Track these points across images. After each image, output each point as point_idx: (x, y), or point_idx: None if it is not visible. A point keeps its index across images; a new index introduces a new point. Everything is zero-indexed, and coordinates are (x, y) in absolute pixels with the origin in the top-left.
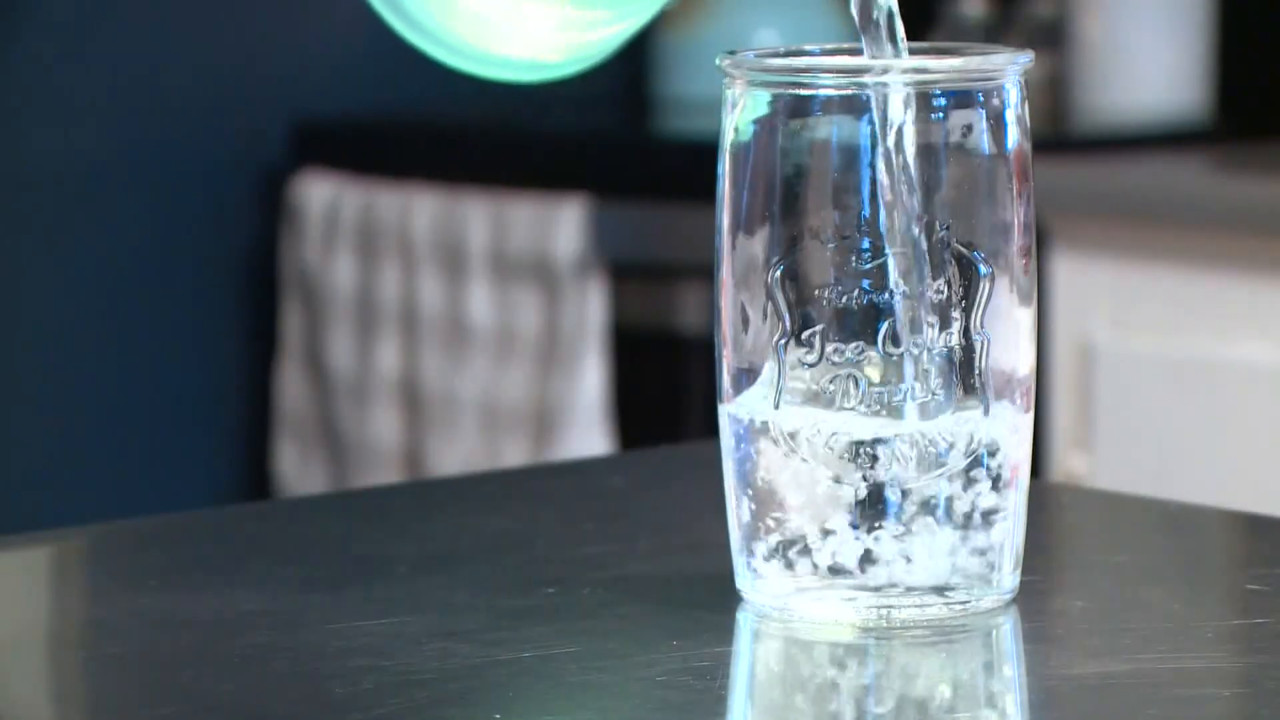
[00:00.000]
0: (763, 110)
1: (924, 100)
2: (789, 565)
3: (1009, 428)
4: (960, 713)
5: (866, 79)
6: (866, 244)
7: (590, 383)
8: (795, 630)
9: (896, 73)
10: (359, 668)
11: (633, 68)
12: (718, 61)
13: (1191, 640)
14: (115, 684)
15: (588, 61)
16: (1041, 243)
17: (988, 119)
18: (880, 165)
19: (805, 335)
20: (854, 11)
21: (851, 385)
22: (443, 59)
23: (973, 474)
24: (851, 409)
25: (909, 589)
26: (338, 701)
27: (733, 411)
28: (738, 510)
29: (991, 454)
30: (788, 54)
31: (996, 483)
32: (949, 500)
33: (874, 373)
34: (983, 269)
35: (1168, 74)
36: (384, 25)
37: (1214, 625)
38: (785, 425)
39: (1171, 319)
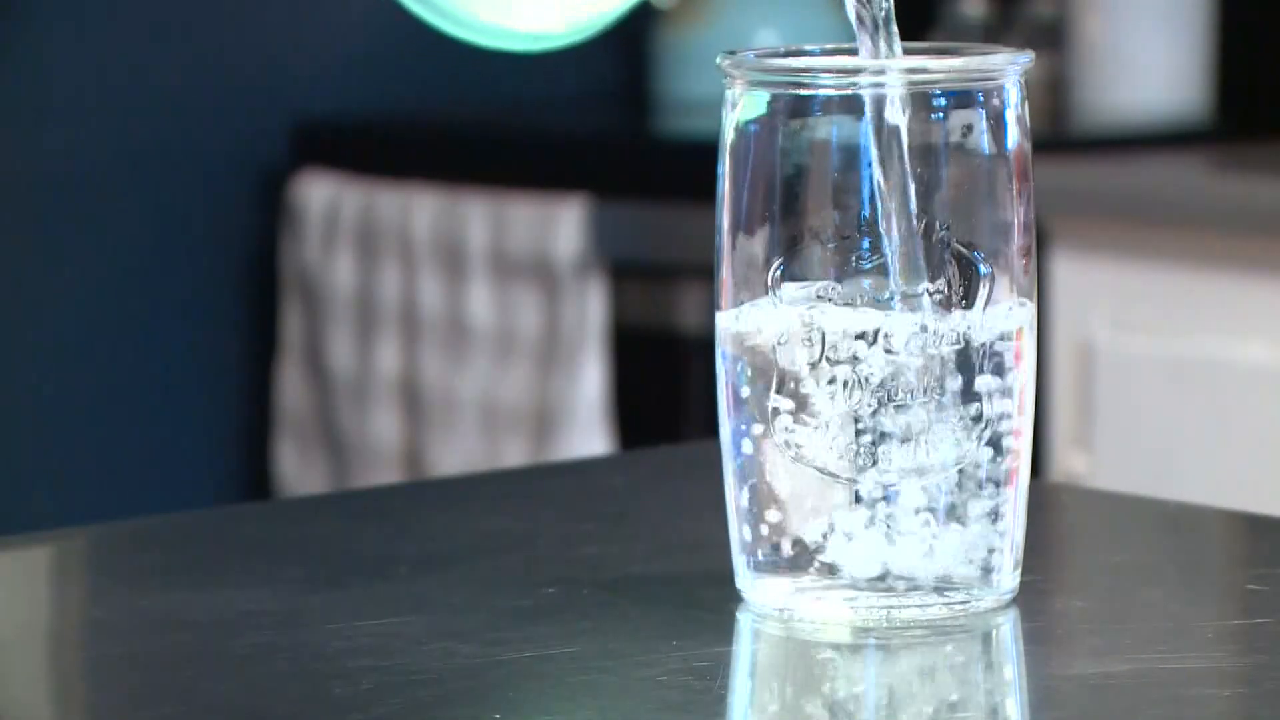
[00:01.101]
0: (762, 110)
1: (924, 100)
2: (789, 565)
3: (1008, 427)
4: (960, 713)
5: (864, 79)
6: (866, 244)
7: (590, 383)
8: (795, 630)
9: (895, 73)
10: (359, 668)
11: (633, 68)
12: (718, 61)
13: (1191, 640)
14: (115, 684)
15: (588, 31)
16: (1041, 243)
17: (988, 119)
18: (877, 165)
19: (805, 336)
20: (849, 11)
21: (853, 385)
22: (448, 30)
23: (973, 473)
24: (850, 409)
25: (909, 589)
26: (338, 701)
27: (734, 412)
28: (738, 510)
29: (993, 454)
30: (787, 54)
31: (996, 482)
32: (949, 499)
33: (874, 372)
34: (983, 269)
35: (1168, 74)
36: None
37: (1214, 625)
38: (785, 424)
39: (1171, 319)
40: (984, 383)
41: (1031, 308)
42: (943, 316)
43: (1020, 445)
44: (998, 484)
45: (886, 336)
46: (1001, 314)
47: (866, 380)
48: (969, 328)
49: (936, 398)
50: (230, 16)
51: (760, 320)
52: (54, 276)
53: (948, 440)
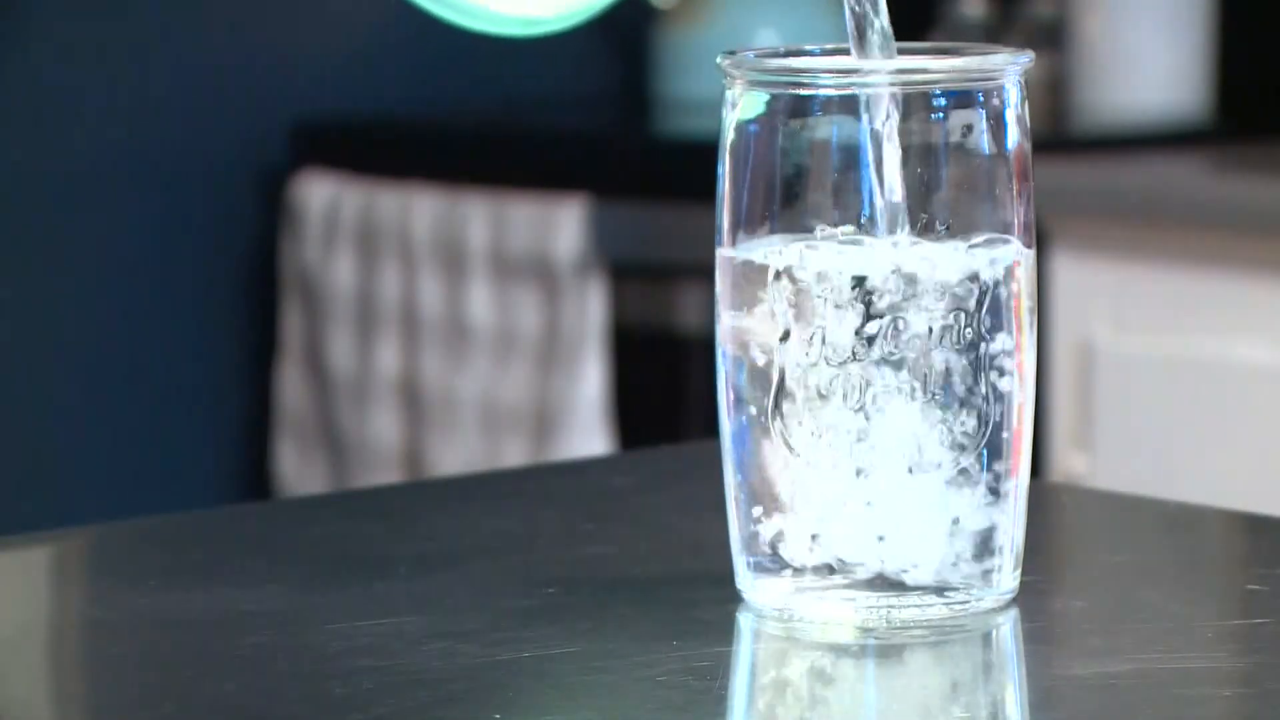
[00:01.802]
0: (762, 110)
1: (924, 100)
2: (789, 565)
3: (1010, 427)
4: (960, 713)
5: (861, 79)
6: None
7: (590, 383)
8: (795, 630)
9: (894, 73)
10: (359, 668)
11: (633, 68)
12: (718, 61)
13: (1191, 640)
14: (115, 684)
15: (578, 18)
16: (1041, 243)
17: (988, 119)
18: (871, 166)
19: (805, 336)
20: (846, 12)
21: (853, 384)
22: (438, 14)
23: (973, 473)
24: (853, 410)
25: (909, 589)
26: (338, 701)
27: (734, 412)
28: (738, 510)
29: (993, 453)
30: (787, 54)
31: (997, 481)
32: (950, 499)
33: (875, 371)
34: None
35: (1168, 74)
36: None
37: (1214, 625)
38: (786, 425)
39: (1171, 319)
40: (985, 382)
41: (1031, 299)
42: (943, 316)
43: (1020, 444)
44: (998, 483)
45: (888, 333)
46: (1002, 309)
47: (867, 380)
48: (970, 325)
49: (937, 397)
50: (230, 17)
51: (761, 320)
52: (54, 276)
53: (948, 440)
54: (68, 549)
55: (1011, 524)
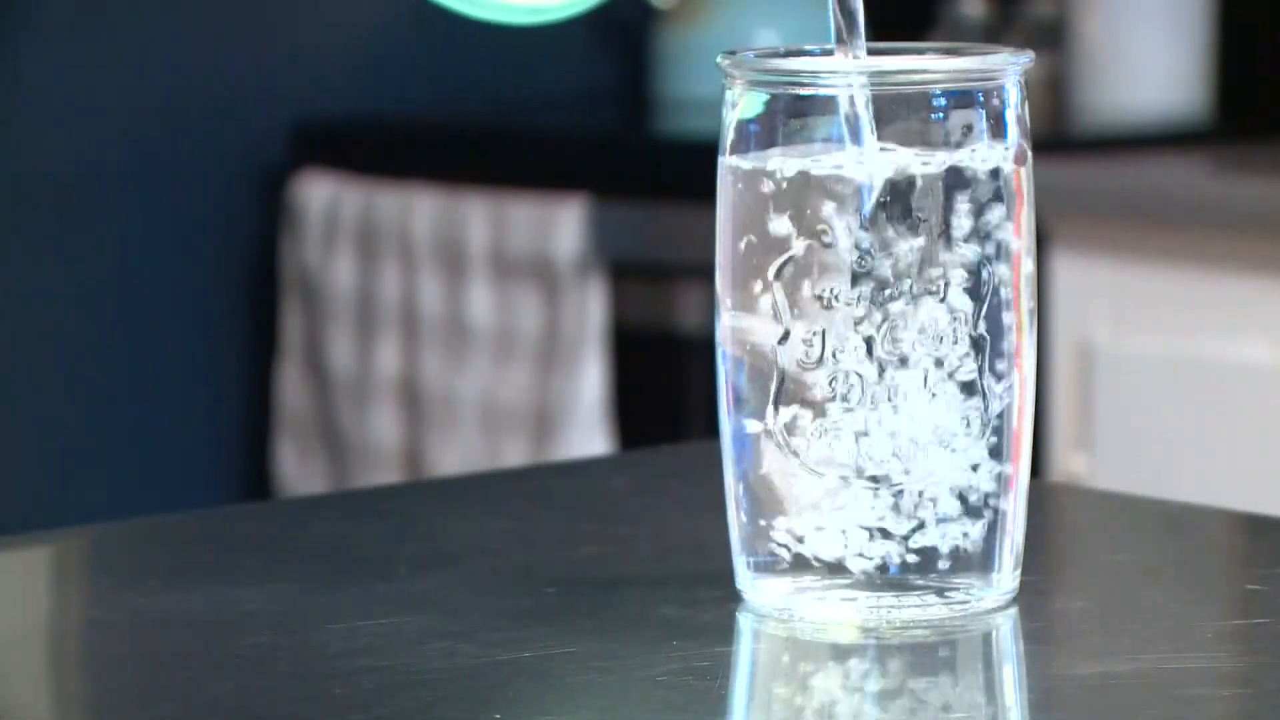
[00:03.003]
0: (762, 110)
1: (924, 100)
2: (789, 565)
3: (1010, 427)
4: (960, 713)
5: (845, 79)
6: (867, 244)
7: (590, 383)
8: (795, 630)
9: (893, 73)
10: (359, 668)
11: (633, 68)
12: (718, 61)
13: (1191, 640)
14: (115, 684)
15: (583, 5)
16: (1041, 243)
17: (988, 119)
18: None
19: (805, 336)
20: (830, 10)
21: (853, 387)
22: (445, 2)
23: (974, 473)
24: (853, 410)
25: (910, 588)
26: (338, 701)
27: (734, 412)
28: (738, 510)
29: (994, 453)
30: (787, 54)
31: (997, 481)
32: (950, 499)
33: (875, 371)
34: (984, 271)
35: (1168, 74)
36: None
37: (1214, 625)
38: (785, 425)
39: (1171, 319)
40: (987, 383)
41: (1031, 293)
42: (948, 316)
43: (1020, 444)
44: (998, 484)
45: (892, 327)
46: (1006, 310)
47: (867, 380)
48: (970, 324)
49: (937, 398)
50: (230, 17)
51: (760, 320)
52: (54, 276)
53: (949, 440)
54: (68, 549)
55: (1011, 524)
